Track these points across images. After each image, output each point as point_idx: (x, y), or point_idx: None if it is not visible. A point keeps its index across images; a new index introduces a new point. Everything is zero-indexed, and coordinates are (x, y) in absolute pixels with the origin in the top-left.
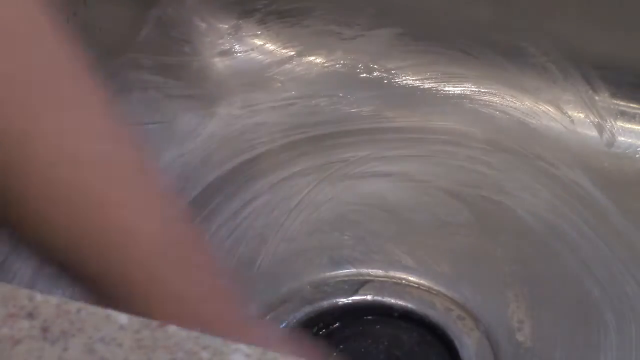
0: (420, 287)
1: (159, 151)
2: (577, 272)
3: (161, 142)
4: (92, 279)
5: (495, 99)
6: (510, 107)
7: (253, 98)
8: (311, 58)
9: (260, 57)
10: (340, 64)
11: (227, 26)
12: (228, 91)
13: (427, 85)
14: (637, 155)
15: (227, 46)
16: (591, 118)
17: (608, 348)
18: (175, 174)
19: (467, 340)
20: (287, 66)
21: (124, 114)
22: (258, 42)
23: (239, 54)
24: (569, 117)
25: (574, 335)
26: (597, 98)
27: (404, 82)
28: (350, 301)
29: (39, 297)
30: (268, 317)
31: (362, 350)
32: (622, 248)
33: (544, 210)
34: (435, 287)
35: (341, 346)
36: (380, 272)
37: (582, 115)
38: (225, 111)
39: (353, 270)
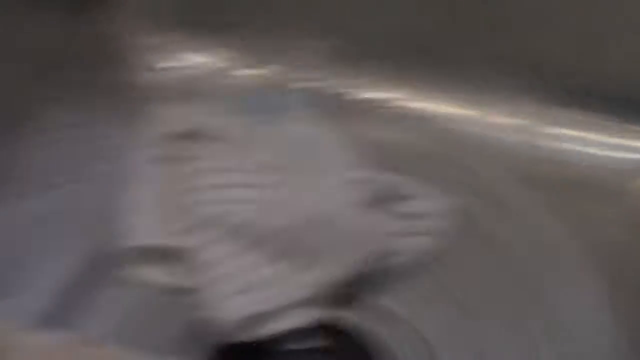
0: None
1: (86, 166)
2: (504, 275)
3: (89, 157)
4: None
5: (429, 106)
6: (443, 115)
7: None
8: (244, 71)
9: (190, 70)
10: (276, 76)
11: (158, 40)
12: (161, 105)
13: (364, 96)
14: (567, 159)
15: (155, 60)
16: (522, 124)
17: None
18: (102, 190)
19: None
20: (219, 79)
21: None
22: (188, 55)
23: (168, 68)
24: (500, 123)
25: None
26: (526, 104)
27: (341, 92)
28: None
29: None
30: None
31: None
32: (549, 251)
33: (470, 215)
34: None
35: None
36: None
37: (513, 121)
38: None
39: None
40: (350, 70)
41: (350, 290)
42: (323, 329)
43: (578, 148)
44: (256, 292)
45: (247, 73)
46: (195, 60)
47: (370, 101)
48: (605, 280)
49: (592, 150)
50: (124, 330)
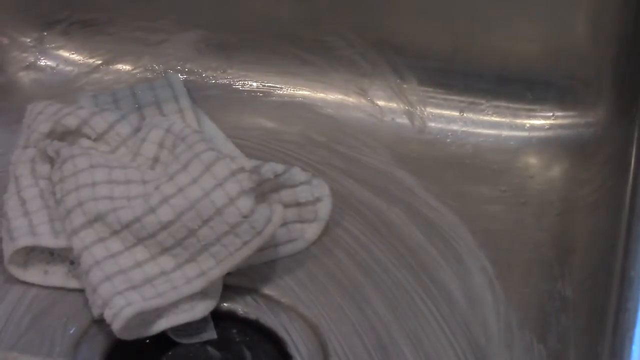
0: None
1: None
2: (391, 257)
3: None
4: None
5: (305, 94)
6: (320, 101)
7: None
8: (119, 66)
9: (67, 68)
10: (149, 69)
11: (29, 40)
12: (39, 104)
13: (237, 85)
14: (448, 140)
15: (32, 60)
16: (401, 106)
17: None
18: None
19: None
20: (96, 75)
21: None
22: (64, 53)
23: (45, 67)
24: (379, 107)
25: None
26: (405, 87)
27: (213, 82)
28: None
29: None
30: None
31: (191, 355)
32: (434, 231)
33: (354, 200)
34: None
35: (169, 352)
36: None
37: (392, 105)
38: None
39: None
40: (221, 61)
41: (240, 281)
42: (215, 321)
43: (463, 129)
44: (146, 288)
45: (121, 68)
46: (68, 58)
47: (245, 90)
48: (492, 258)
49: (477, 130)
50: (11, 332)
